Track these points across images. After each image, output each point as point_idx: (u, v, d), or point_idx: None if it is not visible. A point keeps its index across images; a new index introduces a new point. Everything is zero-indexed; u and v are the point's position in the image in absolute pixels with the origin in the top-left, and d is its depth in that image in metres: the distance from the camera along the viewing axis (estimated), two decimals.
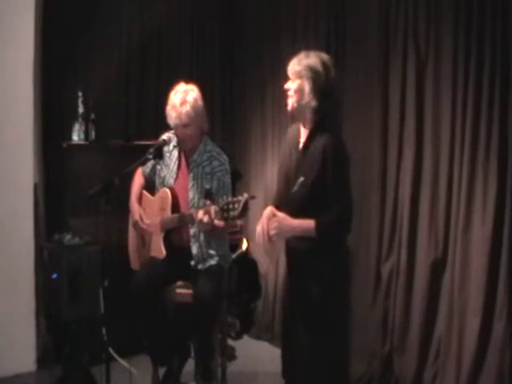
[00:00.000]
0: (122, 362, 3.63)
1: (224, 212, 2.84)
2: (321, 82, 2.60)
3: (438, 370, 3.42)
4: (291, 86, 2.66)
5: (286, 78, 2.72)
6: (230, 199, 2.83)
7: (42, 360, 3.92)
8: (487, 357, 3.16)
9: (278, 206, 2.73)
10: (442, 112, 3.41)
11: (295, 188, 2.63)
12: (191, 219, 3.21)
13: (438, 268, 3.45)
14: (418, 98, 3.53)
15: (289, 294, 2.82)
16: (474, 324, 3.20)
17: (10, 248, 3.80)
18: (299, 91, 2.63)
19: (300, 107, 2.65)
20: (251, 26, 4.89)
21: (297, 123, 2.79)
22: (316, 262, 2.61)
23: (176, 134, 3.39)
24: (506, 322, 3.09)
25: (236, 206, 2.78)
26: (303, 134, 2.72)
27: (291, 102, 2.67)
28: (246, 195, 2.78)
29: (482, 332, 3.17)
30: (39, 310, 3.93)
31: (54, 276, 3.84)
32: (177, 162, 3.45)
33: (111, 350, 3.31)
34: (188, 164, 3.42)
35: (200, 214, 3.06)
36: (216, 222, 3.04)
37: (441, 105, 3.42)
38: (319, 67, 2.61)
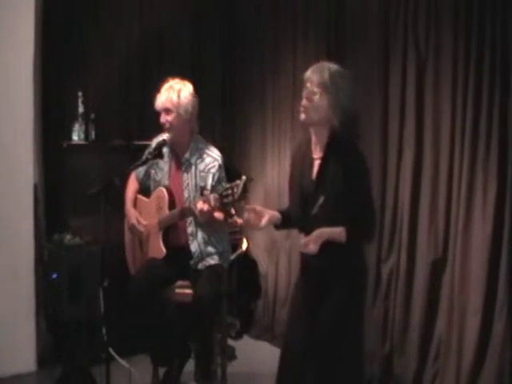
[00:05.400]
0: (122, 362, 3.62)
1: (224, 198, 2.81)
2: (344, 98, 2.48)
3: (438, 370, 3.43)
4: (313, 97, 2.49)
5: (301, 84, 2.57)
6: (227, 185, 2.80)
7: (42, 360, 3.92)
8: (487, 357, 3.16)
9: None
10: (442, 112, 3.41)
11: (315, 210, 2.49)
12: (191, 212, 3.20)
13: (438, 268, 3.45)
14: (417, 98, 3.52)
15: (302, 309, 2.67)
16: (474, 324, 3.20)
17: (10, 248, 3.80)
18: (321, 105, 2.49)
19: (318, 121, 2.53)
20: (251, 26, 4.89)
21: (307, 136, 2.65)
22: (335, 279, 2.54)
23: (161, 124, 3.37)
24: (506, 321, 3.09)
25: (235, 189, 2.73)
26: (316, 147, 2.59)
27: (310, 114, 2.51)
28: (244, 177, 2.74)
29: (482, 332, 3.17)
30: (39, 310, 3.93)
31: (54, 276, 3.84)
32: (169, 164, 3.45)
33: (111, 350, 3.30)
34: (181, 164, 3.42)
35: (199, 203, 3.05)
36: (216, 214, 3.04)
37: (441, 105, 3.42)
38: (343, 82, 2.49)
